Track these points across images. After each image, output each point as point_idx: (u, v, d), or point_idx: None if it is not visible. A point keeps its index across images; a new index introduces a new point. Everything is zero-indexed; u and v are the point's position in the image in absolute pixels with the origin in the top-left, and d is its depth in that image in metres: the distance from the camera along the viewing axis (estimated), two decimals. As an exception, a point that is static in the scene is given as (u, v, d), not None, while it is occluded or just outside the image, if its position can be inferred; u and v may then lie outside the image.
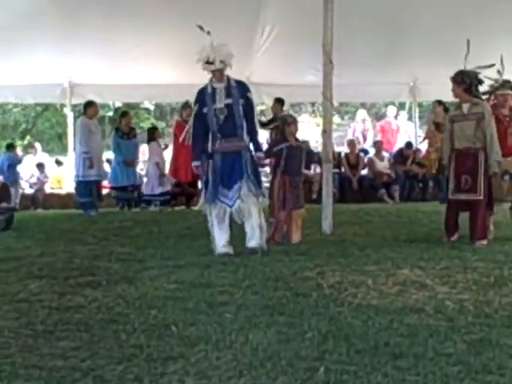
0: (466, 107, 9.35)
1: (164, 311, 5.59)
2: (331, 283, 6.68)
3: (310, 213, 10.36)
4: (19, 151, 20.99)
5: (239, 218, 8.47)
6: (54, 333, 5.08)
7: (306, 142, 10.25)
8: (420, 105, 23.39)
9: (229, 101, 8.44)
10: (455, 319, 5.31)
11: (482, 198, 9.13)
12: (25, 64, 16.08)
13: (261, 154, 8.83)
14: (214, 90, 8.51)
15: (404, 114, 21.53)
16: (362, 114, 21.61)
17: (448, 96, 20.36)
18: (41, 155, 20.72)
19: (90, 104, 15.12)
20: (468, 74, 9.32)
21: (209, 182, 8.49)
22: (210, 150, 8.49)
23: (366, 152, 18.92)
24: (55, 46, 15.74)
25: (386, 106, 23.72)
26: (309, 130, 25.38)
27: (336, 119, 28.32)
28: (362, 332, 4.96)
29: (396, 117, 21.27)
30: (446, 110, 14.15)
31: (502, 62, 9.79)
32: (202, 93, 8.62)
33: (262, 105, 27.13)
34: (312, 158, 11.05)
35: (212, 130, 8.47)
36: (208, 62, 8.48)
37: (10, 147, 18.69)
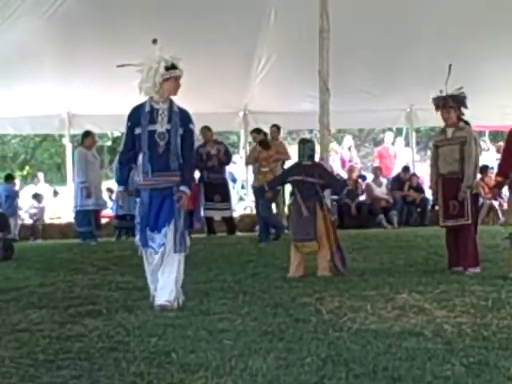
0: (450, 131, 9.33)
1: (164, 339, 5.61)
2: (330, 308, 6.71)
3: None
4: (18, 182, 21.00)
5: (158, 267, 7.13)
6: (55, 362, 5.09)
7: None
8: (417, 130, 23.50)
9: (168, 126, 7.13)
10: (453, 342, 5.34)
11: (470, 222, 9.01)
12: (23, 95, 16.17)
13: (184, 189, 7.16)
14: (153, 110, 7.18)
15: (401, 140, 21.57)
16: (348, 140, 21.65)
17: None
18: (42, 185, 20.76)
19: (87, 134, 15.16)
20: (458, 99, 9.29)
21: (138, 223, 7.31)
22: (137, 184, 7.28)
23: (363, 178, 18.97)
24: (53, 77, 15.85)
25: (384, 131, 23.77)
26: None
27: (334, 146, 28.36)
28: (360, 356, 4.98)
29: (393, 143, 21.33)
30: None
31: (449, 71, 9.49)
32: (136, 110, 7.30)
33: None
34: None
35: (142, 157, 7.14)
36: (168, 68, 7.17)
37: (9, 178, 18.69)
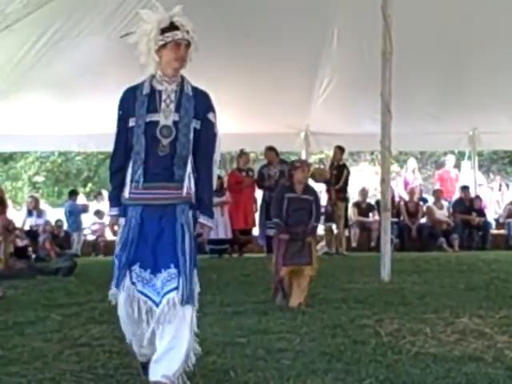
0: None
1: (223, 357, 5.62)
2: (389, 331, 6.66)
3: (368, 260, 10.36)
4: (83, 199, 21.29)
5: (157, 325, 4.76)
6: (114, 377, 5.15)
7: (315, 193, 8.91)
8: (480, 154, 23.23)
9: (175, 117, 4.85)
10: (515, 368, 5.27)
11: None
12: (87, 113, 16.42)
13: (205, 221, 4.94)
14: (153, 92, 4.93)
15: (467, 163, 21.19)
16: (412, 163, 21.52)
17: (507, 145, 20.38)
18: (106, 203, 21.01)
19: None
20: None
21: (118, 255, 4.92)
22: (124, 197, 4.94)
23: (425, 200, 18.85)
24: (118, 97, 16.05)
25: (445, 154, 23.57)
26: (368, 179, 25.41)
27: (395, 168, 28.24)
28: (419, 380, 4.94)
29: (457, 166, 21.09)
30: None
31: None
32: (130, 92, 5.04)
33: (321, 153, 27.31)
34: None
35: (134, 160, 4.89)
36: (164, 30, 4.90)
37: (73, 194, 18.94)
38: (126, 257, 4.79)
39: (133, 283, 4.82)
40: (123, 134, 5.00)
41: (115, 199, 5.00)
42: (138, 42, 5.07)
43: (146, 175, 4.79)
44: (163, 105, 4.85)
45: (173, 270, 4.71)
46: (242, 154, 15.63)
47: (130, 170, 4.88)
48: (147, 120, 4.83)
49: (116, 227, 5.04)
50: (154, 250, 4.77)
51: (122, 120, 5.00)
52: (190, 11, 4.86)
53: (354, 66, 15.30)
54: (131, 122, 4.88)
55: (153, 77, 4.99)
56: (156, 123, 4.81)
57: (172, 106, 4.85)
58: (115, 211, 4.97)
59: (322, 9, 13.85)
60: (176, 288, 4.68)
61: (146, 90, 4.92)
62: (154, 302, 4.76)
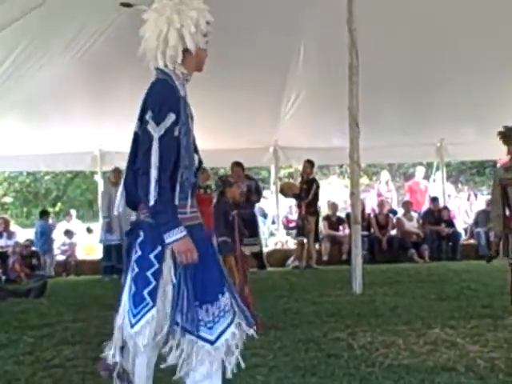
0: None
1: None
2: (362, 344, 6.70)
3: (340, 273, 10.40)
4: (51, 218, 21.16)
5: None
6: (88, 397, 5.14)
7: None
8: (448, 164, 23.42)
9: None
10: (486, 377, 5.32)
11: None
12: (56, 133, 16.37)
13: None
14: (185, 96, 4.22)
15: (439, 174, 21.20)
16: (385, 175, 21.63)
17: (475, 155, 20.57)
18: (74, 222, 20.91)
19: (113, 171, 15.69)
20: None
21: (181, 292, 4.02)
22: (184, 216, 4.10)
23: (394, 212, 18.93)
24: (85, 115, 16.05)
25: (414, 166, 23.71)
26: (337, 192, 25.51)
27: (364, 180, 28.40)
28: (393, 392, 4.98)
29: (427, 178, 21.18)
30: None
31: None
32: (174, 93, 4.11)
33: (291, 168, 27.40)
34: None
35: (181, 178, 4.08)
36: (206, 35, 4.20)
37: (44, 215, 18.82)
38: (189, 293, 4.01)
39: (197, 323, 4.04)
40: (175, 147, 4.03)
41: (177, 217, 3.99)
42: (163, 25, 4.09)
43: (193, 192, 4.18)
44: (188, 110, 4.20)
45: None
46: (202, 170, 15.59)
47: (178, 188, 4.04)
48: (190, 127, 4.18)
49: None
50: (208, 279, 4.11)
51: (177, 127, 4.03)
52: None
53: (322, 80, 15.37)
54: (176, 131, 4.03)
55: (175, 74, 4.18)
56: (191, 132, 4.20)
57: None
58: (184, 230, 3.96)
59: (288, 24, 13.90)
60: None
61: (181, 90, 4.16)
62: (209, 341, 4.07)
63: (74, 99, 15.22)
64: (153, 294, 4.06)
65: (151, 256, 4.07)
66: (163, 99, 4.06)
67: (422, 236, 17.48)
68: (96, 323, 8.51)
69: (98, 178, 19.30)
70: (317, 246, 16.49)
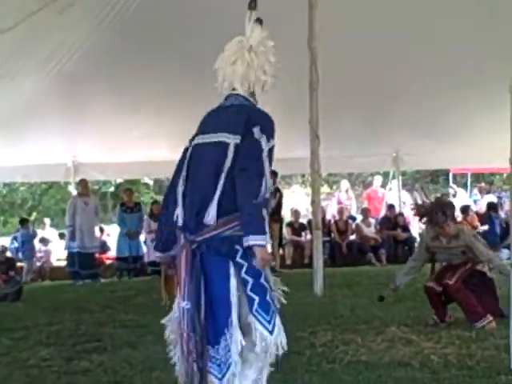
0: (444, 240, 7.82)
1: (166, 372, 5.60)
2: (323, 342, 6.73)
3: (302, 276, 10.43)
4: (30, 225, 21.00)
5: None
6: (63, 395, 5.11)
7: None
8: (404, 173, 23.61)
9: None
10: (440, 372, 5.37)
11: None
12: (31, 146, 16.25)
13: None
14: None
15: (395, 183, 21.36)
16: (345, 184, 21.73)
17: (429, 164, 20.74)
18: (49, 230, 20.77)
19: (78, 182, 16.16)
20: (451, 206, 8.00)
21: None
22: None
23: (353, 219, 19.02)
24: (59, 129, 15.94)
25: (373, 175, 23.84)
26: (300, 200, 25.57)
27: (325, 189, 28.49)
28: (352, 386, 5.00)
29: (384, 186, 21.30)
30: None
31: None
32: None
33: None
34: None
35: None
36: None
37: (24, 222, 18.67)
38: None
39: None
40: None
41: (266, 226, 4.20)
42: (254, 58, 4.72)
43: None
44: None
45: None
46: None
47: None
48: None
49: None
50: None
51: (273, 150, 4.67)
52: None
53: (284, 94, 15.39)
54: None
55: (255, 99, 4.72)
56: None
57: None
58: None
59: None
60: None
61: None
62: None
63: (48, 113, 15.09)
64: (272, 298, 4.36)
65: (255, 263, 4.14)
66: (272, 122, 4.71)
67: (379, 241, 17.56)
68: (70, 326, 8.48)
69: (72, 189, 19.19)
70: (280, 250, 16.54)
